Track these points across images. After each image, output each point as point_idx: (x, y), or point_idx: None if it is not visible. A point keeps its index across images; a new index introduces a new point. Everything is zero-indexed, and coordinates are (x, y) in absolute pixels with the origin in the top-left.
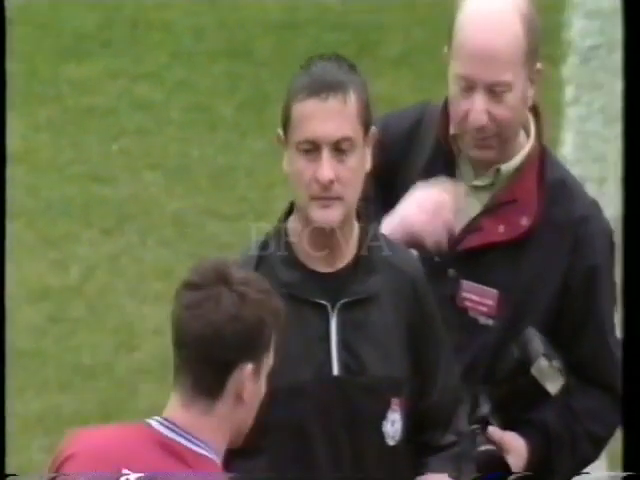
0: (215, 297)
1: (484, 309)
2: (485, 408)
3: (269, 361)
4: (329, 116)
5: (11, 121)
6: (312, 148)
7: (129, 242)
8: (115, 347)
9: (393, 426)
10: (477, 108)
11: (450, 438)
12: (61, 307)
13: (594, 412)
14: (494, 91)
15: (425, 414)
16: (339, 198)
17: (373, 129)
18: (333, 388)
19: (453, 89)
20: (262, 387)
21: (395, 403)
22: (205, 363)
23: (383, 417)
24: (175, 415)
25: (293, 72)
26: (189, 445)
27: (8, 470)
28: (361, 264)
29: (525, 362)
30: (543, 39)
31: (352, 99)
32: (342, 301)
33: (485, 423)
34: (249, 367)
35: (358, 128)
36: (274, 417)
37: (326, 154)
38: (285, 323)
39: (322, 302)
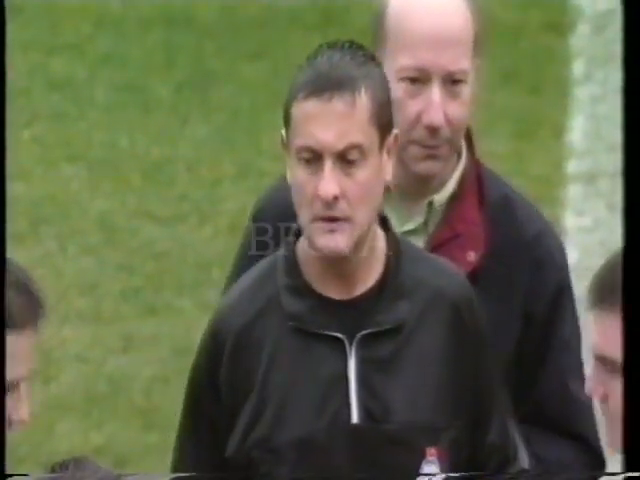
0: None
1: None
2: None
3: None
4: (333, 120)
5: None
6: (313, 157)
7: (45, 250)
8: None
9: None
10: (435, 103)
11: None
12: None
13: (565, 464)
14: (451, 82)
15: (474, 463)
16: (346, 219)
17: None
18: (352, 439)
19: (396, 90)
20: None
21: (431, 453)
22: None
23: (416, 471)
24: None
25: (241, 45)
26: None
27: None
28: (387, 287)
29: None
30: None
31: (363, 99)
32: (362, 333)
33: None
34: None
35: (371, 133)
36: (278, 478)
37: (329, 165)
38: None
39: (337, 335)
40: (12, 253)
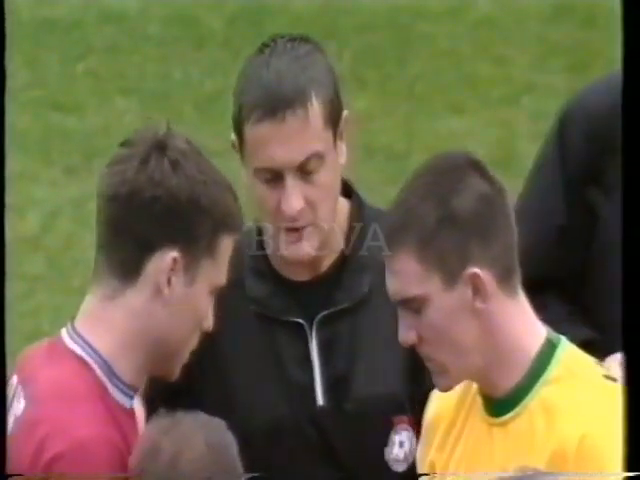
0: (142, 156)
1: None
2: None
3: (212, 270)
4: (289, 139)
5: None
6: (273, 176)
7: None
8: None
9: (402, 447)
10: None
11: None
12: (16, 262)
13: None
14: None
15: None
16: (311, 224)
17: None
18: (319, 420)
19: None
20: (198, 297)
21: (401, 421)
22: (119, 233)
23: (385, 443)
24: (82, 306)
25: None
26: (68, 342)
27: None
28: (349, 262)
29: None
30: None
31: (315, 107)
32: (321, 315)
33: None
34: (172, 255)
35: (327, 135)
36: (250, 466)
37: (290, 181)
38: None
39: (297, 320)
40: (64, 186)
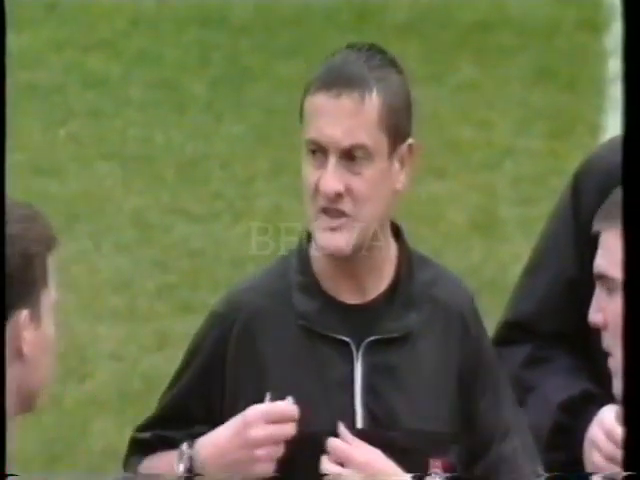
0: None
1: None
2: None
3: (50, 297)
4: (340, 117)
5: None
6: (320, 151)
7: (80, 248)
8: (63, 375)
9: None
10: None
11: None
12: None
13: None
14: None
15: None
16: (350, 217)
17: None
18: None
19: None
20: (48, 330)
21: (436, 465)
22: None
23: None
24: None
25: (276, 42)
26: None
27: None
28: (398, 295)
29: None
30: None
31: (374, 100)
32: (369, 339)
33: None
34: (24, 315)
35: (379, 137)
36: (287, 470)
37: (333, 161)
38: (54, 243)
39: (344, 339)
40: None
